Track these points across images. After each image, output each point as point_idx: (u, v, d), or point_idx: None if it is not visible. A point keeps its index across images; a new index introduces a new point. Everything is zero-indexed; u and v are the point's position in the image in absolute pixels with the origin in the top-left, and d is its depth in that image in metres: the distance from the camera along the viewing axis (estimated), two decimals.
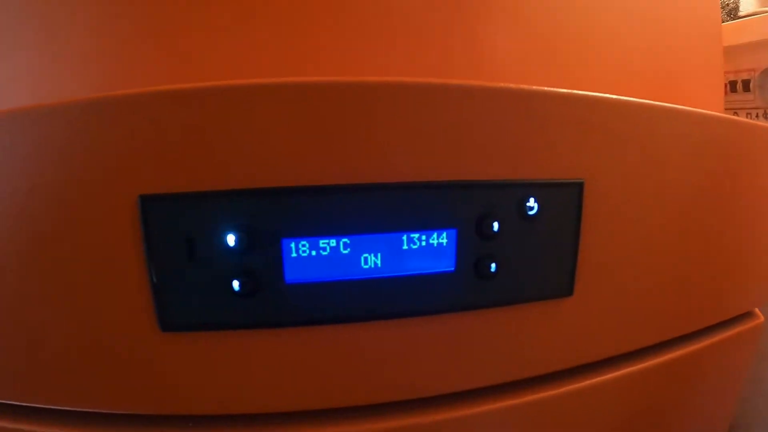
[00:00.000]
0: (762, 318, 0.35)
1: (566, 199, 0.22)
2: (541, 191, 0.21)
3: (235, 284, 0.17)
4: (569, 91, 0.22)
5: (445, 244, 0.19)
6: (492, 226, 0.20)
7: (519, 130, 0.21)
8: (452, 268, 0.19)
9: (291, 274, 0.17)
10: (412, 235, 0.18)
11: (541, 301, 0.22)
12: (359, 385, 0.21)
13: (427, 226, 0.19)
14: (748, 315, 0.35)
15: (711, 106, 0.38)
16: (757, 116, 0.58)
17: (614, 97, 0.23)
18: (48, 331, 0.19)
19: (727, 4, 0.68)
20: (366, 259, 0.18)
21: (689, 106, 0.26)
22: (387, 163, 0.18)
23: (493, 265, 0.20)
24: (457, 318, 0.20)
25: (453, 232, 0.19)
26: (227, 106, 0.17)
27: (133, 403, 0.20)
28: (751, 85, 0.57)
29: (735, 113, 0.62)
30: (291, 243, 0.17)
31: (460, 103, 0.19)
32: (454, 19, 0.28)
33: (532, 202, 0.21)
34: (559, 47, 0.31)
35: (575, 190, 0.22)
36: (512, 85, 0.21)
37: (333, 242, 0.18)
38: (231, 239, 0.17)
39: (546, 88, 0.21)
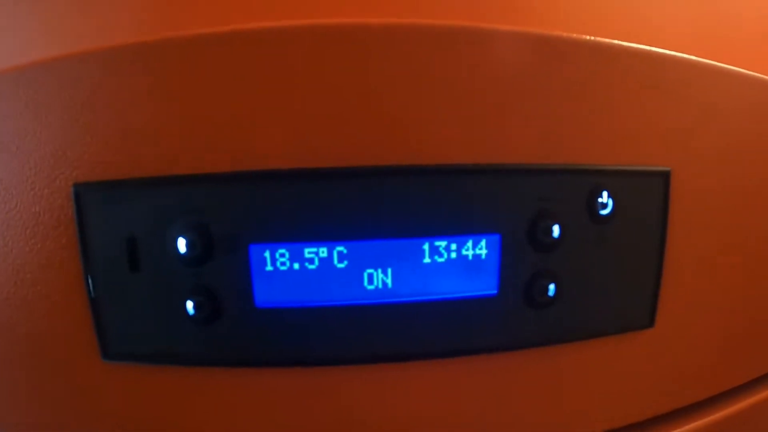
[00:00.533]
0: None
1: (647, 194, 0.16)
2: (616, 183, 0.15)
3: (189, 306, 0.12)
4: (654, 49, 0.16)
5: (484, 257, 0.13)
6: (551, 231, 0.14)
7: (584, 95, 0.15)
8: (494, 291, 0.13)
9: (263, 295, 0.12)
10: (437, 243, 0.13)
11: (612, 335, 0.16)
12: None
13: (458, 230, 0.13)
14: None
15: None
16: None
17: (707, 60, 0.17)
18: None
19: None
20: (371, 276, 0.13)
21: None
22: (402, 138, 0.13)
23: (552, 287, 0.14)
24: (497, 360, 0.14)
25: (496, 238, 0.13)
26: (179, 60, 0.12)
27: None
28: None
29: None
30: (264, 251, 0.12)
31: (506, 54, 0.14)
32: None
33: (605, 198, 0.15)
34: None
35: (660, 182, 0.16)
36: (575, 35, 0.15)
37: (324, 251, 0.12)
38: (181, 244, 0.12)
39: (624, 43, 0.15)
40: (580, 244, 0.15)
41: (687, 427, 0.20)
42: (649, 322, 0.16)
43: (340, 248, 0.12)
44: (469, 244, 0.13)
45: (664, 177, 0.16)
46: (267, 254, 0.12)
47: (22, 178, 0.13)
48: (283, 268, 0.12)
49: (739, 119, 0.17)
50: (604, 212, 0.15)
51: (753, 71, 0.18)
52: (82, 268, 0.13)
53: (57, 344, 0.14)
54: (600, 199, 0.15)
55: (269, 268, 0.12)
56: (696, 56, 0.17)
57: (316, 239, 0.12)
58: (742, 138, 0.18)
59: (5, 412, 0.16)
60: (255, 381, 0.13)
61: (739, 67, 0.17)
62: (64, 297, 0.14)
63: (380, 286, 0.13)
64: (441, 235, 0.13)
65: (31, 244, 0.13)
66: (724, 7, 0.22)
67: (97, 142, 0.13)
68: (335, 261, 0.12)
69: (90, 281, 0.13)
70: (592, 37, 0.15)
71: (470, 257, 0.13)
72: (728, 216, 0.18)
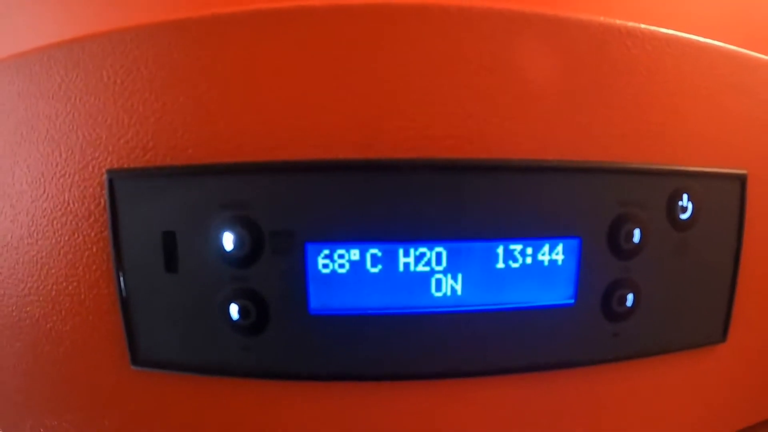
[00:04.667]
0: None
1: (726, 198, 0.15)
2: (696, 185, 0.14)
3: (233, 311, 0.11)
4: (739, 49, 0.15)
5: (561, 263, 0.12)
6: (632, 236, 0.12)
7: (666, 94, 0.13)
8: (572, 300, 0.12)
9: (319, 300, 0.11)
10: (511, 247, 0.11)
11: (686, 350, 0.15)
12: None
13: (535, 231, 0.12)
14: None
15: None
16: None
17: None
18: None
19: None
20: (439, 282, 0.11)
21: None
22: (473, 131, 0.11)
23: (630, 297, 0.13)
24: (571, 377, 0.13)
25: (575, 243, 0.12)
26: (227, 39, 0.11)
27: None
28: None
29: None
30: (321, 250, 0.11)
31: (582, 43, 0.12)
32: None
33: (685, 201, 0.14)
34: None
35: (736, 186, 0.15)
36: (655, 27, 0.14)
37: (387, 252, 0.11)
38: (227, 240, 0.11)
39: (711, 41, 0.14)
40: (660, 251, 0.13)
41: None
42: (722, 336, 0.15)
43: (407, 249, 0.11)
44: (546, 248, 0.12)
45: (742, 181, 0.15)
46: (324, 254, 0.11)
47: (52, 163, 0.12)
48: (341, 270, 0.11)
49: None
50: (684, 216, 0.14)
51: None
52: (114, 265, 0.12)
53: (83, 346, 0.13)
54: (680, 203, 0.14)
55: (326, 270, 0.11)
56: None
57: (380, 239, 0.11)
58: None
59: (24, 415, 0.14)
60: (304, 396, 0.12)
61: None
62: (92, 296, 0.12)
63: (449, 293, 0.11)
64: (516, 238, 0.11)
65: (59, 236, 0.11)
66: None
67: (133, 125, 0.11)
68: (400, 264, 0.11)
69: (121, 279, 0.12)
70: (679, 33, 0.14)
71: (546, 263, 0.12)
72: None
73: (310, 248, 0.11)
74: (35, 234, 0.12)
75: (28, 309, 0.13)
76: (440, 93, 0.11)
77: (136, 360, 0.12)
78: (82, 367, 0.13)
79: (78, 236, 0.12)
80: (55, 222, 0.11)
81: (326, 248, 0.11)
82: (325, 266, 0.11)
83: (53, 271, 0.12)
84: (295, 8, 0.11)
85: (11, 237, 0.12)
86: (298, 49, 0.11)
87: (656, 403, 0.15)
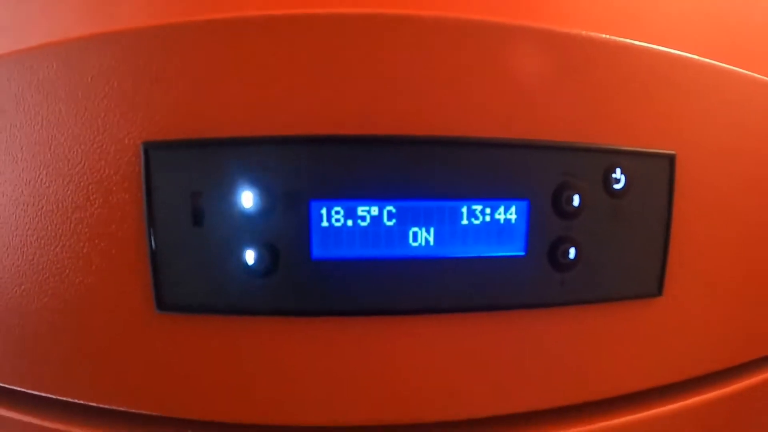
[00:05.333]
0: None
1: (656, 173, 0.18)
2: (629, 161, 0.17)
3: (249, 256, 0.14)
4: (664, 48, 0.18)
5: (514, 221, 0.15)
6: (572, 200, 0.15)
7: (604, 86, 0.17)
8: (522, 252, 0.15)
9: (320, 248, 0.14)
10: (473, 207, 0.14)
11: (624, 300, 0.18)
12: (393, 401, 0.16)
13: (492, 194, 0.15)
14: None
15: None
16: None
17: (714, 62, 0.19)
18: (24, 308, 0.16)
19: None
20: (415, 234, 0.14)
21: None
22: (447, 114, 0.14)
23: (572, 251, 0.16)
24: (524, 317, 0.16)
25: (524, 204, 0.15)
26: (248, 36, 0.14)
27: (118, 397, 0.17)
28: None
29: None
30: (321, 207, 0.13)
31: (536, 48, 0.15)
32: None
33: (618, 174, 0.17)
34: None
35: (666, 163, 0.18)
36: (595, 33, 0.17)
37: (375, 210, 0.14)
38: (247, 198, 0.13)
39: (638, 42, 0.17)
40: (596, 214, 0.16)
41: (692, 401, 0.21)
42: (658, 290, 0.18)
43: (390, 208, 0.14)
44: (502, 208, 0.15)
45: (670, 159, 0.18)
46: (324, 211, 0.13)
47: (91, 134, 0.14)
48: (338, 224, 0.14)
49: (739, 115, 0.19)
50: (617, 187, 0.17)
51: (755, 72, 0.20)
52: (146, 223, 0.14)
53: (110, 297, 0.16)
54: (614, 175, 0.17)
55: (325, 223, 0.14)
56: (703, 57, 0.19)
57: (369, 198, 0.14)
58: (736, 131, 0.20)
59: (54, 360, 0.17)
60: (306, 330, 0.15)
61: (743, 69, 0.19)
62: (121, 251, 0.15)
63: (423, 243, 0.14)
64: (478, 199, 0.14)
65: (93, 200, 0.14)
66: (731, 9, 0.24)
67: (166, 104, 0.14)
68: (385, 219, 0.14)
69: (152, 234, 0.14)
70: (617, 38, 0.17)
71: (502, 221, 0.15)
72: (727, 198, 0.20)
73: (314, 205, 0.13)
74: (71, 199, 0.14)
75: (59, 265, 0.15)
76: (419, 84, 0.14)
77: (161, 305, 0.15)
78: (109, 316, 0.15)
79: (113, 199, 0.14)
80: (91, 187, 0.14)
81: (326, 206, 0.13)
82: (324, 220, 0.14)
83: (86, 230, 0.14)
84: (306, 16, 0.13)
85: (47, 201, 0.15)
86: (308, 52, 0.13)
87: (599, 349, 0.18)
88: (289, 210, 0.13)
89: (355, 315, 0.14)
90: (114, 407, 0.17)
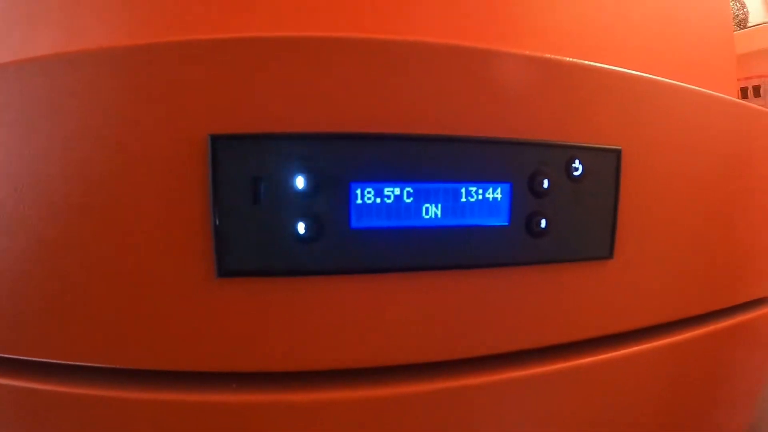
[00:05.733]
0: None
1: (607, 164, 0.23)
2: (585, 154, 0.22)
3: (300, 227, 0.18)
4: (611, 67, 0.23)
5: (499, 199, 0.20)
6: (543, 183, 0.20)
7: (567, 97, 0.22)
8: (506, 223, 0.20)
9: (356, 220, 0.18)
10: (470, 188, 0.19)
11: (584, 261, 0.23)
12: (411, 341, 0.21)
13: (484, 179, 0.19)
14: (765, 302, 0.36)
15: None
16: None
17: (648, 76, 0.24)
18: (94, 276, 0.19)
19: (737, 16, 0.72)
20: (427, 209, 0.18)
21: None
22: (451, 117, 0.19)
23: (543, 222, 0.20)
24: (508, 273, 0.21)
25: (507, 186, 0.20)
26: (303, 56, 0.18)
27: (179, 358, 0.19)
28: (761, 90, 0.60)
29: None
30: (358, 188, 0.18)
31: (518, 69, 0.20)
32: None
33: (577, 164, 0.22)
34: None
35: (614, 156, 0.23)
36: (561, 57, 0.22)
37: (397, 190, 0.18)
38: (300, 181, 0.17)
39: (591, 63, 0.23)
40: (562, 194, 0.21)
41: (634, 350, 0.26)
42: (610, 254, 0.23)
43: (408, 189, 0.18)
44: (491, 189, 0.19)
45: (617, 153, 0.23)
46: (359, 191, 0.18)
47: (162, 125, 0.17)
48: (369, 201, 0.18)
49: (666, 118, 0.25)
50: (576, 174, 0.22)
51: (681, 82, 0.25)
52: (210, 202, 0.18)
53: (175, 265, 0.18)
54: (574, 164, 0.22)
55: (360, 201, 0.18)
56: (641, 72, 0.24)
57: (393, 181, 0.18)
58: (668, 131, 0.25)
59: (120, 327, 0.19)
60: (345, 286, 0.19)
61: (671, 80, 0.25)
62: (185, 228, 0.18)
63: (432, 216, 0.19)
64: (472, 182, 0.19)
65: (165, 182, 0.17)
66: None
67: (230, 103, 0.18)
68: (404, 197, 0.18)
69: (216, 213, 0.18)
70: (575, 60, 0.22)
71: (491, 199, 0.19)
72: (661, 184, 0.25)
73: (352, 186, 0.18)
74: (148, 181, 0.17)
75: (128, 240, 0.18)
76: (432, 101, 0.19)
77: (221, 272, 0.18)
78: (174, 283, 0.18)
79: (180, 182, 0.18)
80: (164, 171, 0.17)
81: (361, 187, 0.18)
82: (361, 198, 0.18)
83: (153, 211, 0.17)
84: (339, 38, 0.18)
85: (127, 182, 0.18)
86: (344, 70, 0.18)
87: (564, 300, 0.23)
88: (333, 190, 0.18)
89: (382, 272, 0.19)
90: (175, 369, 0.20)
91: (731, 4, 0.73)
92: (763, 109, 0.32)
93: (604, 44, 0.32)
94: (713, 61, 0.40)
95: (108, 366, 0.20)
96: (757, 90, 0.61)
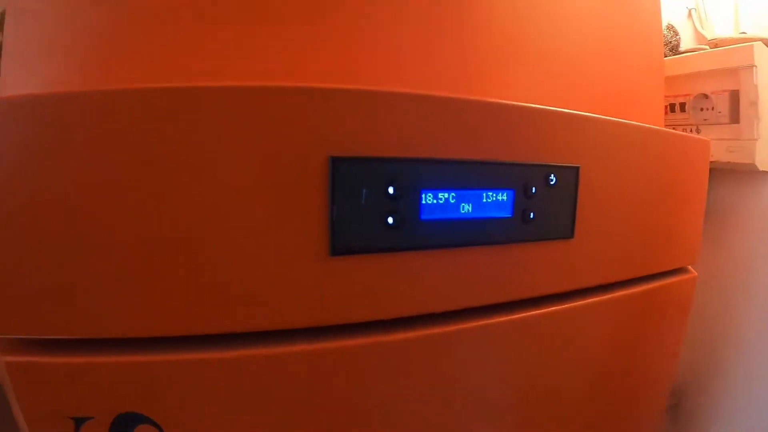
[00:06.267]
0: (695, 274, 0.51)
1: (570, 176, 0.35)
2: (557, 170, 0.34)
3: (390, 220, 0.28)
4: (575, 112, 0.35)
5: (506, 200, 0.31)
6: (532, 189, 0.32)
7: (546, 134, 0.34)
8: (510, 215, 0.31)
9: (424, 214, 0.29)
10: (489, 193, 0.30)
11: (556, 240, 0.35)
12: (452, 294, 0.32)
13: (496, 187, 0.31)
14: (684, 271, 0.51)
15: (655, 122, 0.54)
16: (690, 131, 0.77)
17: (598, 116, 0.37)
18: (239, 258, 0.26)
19: (670, 42, 0.87)
20: (464, 206, 0.30)
21: (641, 122, 0.40)
22: (478, 148, 0.30)
23: (532, 214, 0.32)
24: (510, 248, 0.33)
25: (511, 192, 0.31)
26: (395, 109, 0.28)
27: (299, 316, 0.28)
28: (686, 106, 0.77)
29: (673, 128, 0.81)
30: (424, 194, 0.29)
31: (517, 118, 0.32)
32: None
33: (552, 177, 0.34)
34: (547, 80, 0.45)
35: (575, 171, 0.35)
36: (545, 107, 0.34)
37: (446, 195, 0.29)
38: (390, 188, 0.28)
39: (568, 111, 0.35)
40: (542, 195, 0.33)
41: (589, 301, 0.39)
42: (571, 235, 0.36)
43: (453, 194, 0.29)
44: (500, 194, 0.31)
45: (576, 169, 0.35)
46: (424, 196, 0.29)
47: (287, 146, 0.27)
48: (431, 202, 0.29)
49: (607, 144, 0.38)
50: (551, 183, 0.34)
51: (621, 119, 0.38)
52: (329, 203, 0.28)
53: (297, 245, 0.27)
54: (550, 177, 0.34)
55: (425, 202, 0.29)
56: (592, 113, 0.36)
57: (443, 189, 0.29)
58: (609, 154, 0.38)
59: (260, 296, 0.28)
60: (417, 258, 0.30)
61: (614, 117, 0.38)
62: (305, 221, 0.27)
63: (466, 211, 0.30)
64: (490, 189, 0.30)
65: (296, 189, 0.26)
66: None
67: (344, 135, 0.28)
68: (450, 199, 0.29)
69: (332, 210, 0.28)
70: (546, 107, 0.34)
71: (500, 200, 0.31)
72: (606, 189, 0.38)
73: (423, 193, 0.28)
74: (282, 188, 0.26)
75: (256, 233, 0.27)
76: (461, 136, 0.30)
77: (334, 251, 0.28)
78: (301, 261, 0.27)
79: (309, 189, 0.28)
80: (295, 181, 0.26)
81: (426, 193, 0.29)
82: (426, 200, 0.29)
83: (290, 208, 0.26)
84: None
85: (266, 190, 0.27)
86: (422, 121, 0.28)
87: (543, 265, 0.36)
88: (410, 195, 0.28)
89: (438, 248, 0.30)
90: (300, 326, 0.28)
91: (665, 32, 0.89)
92: (677, 133, 0.46)
93: (564, 86, 0.44)
94: (645, 84, 0.54)
95: (248, 330, 0.27)
96: (682, 106, 0.77)
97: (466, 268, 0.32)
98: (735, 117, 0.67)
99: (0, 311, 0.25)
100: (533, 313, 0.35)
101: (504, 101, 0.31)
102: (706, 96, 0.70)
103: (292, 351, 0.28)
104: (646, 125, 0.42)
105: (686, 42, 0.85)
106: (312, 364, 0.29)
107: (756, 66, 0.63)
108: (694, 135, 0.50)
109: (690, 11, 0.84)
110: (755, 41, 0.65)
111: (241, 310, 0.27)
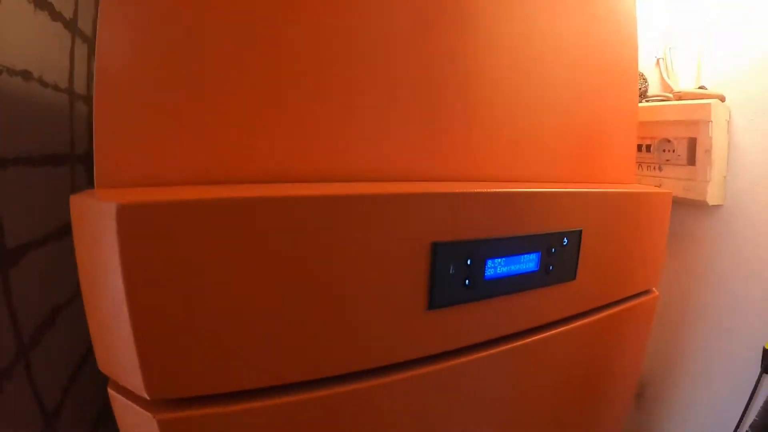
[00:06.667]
0: (657, 294, 0.69)
1: (576, 237, 0.51)
2: (567, 234, 0.50)
3: (467, 282, 0.43)
4: (577, 189, 0.51)
5: (534, 259, 0.47)
6: (552, 251, 0.48)
7: (559, 209, 0.49)
8: (536, 269, 0.47)
9: (487, 275, 0.44)
10: (525, 256, 0.46)
11: (564, 282, 0.51)
12: (499, 324, 0.47)
13: (527, 251, 0.46)
14: (648, 292, 0.68)
15: (628, 160, 0.70)
16: (654, 168, 0.95)
17: (592, 190, 0.53)
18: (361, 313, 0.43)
19: (640, 88, 1.02)
20: (510, 268, 0.45)
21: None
22: (520, 223, 0.45)
23: (551, 267, 0.48)
24: (536, 293, 0.49)
25: (537, 254, 0.47)
26: (469, 209, 0.42)
27: (408, 351, 0.41)
28: (651, 148, 0.95)
29: (639, 165, 1.00)
30: (487, 262, 0.43)
31: (543, 200, 0.47)
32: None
33: (564, 239, 0.49)
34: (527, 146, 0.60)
35: (578, 234, 0.51)
36: (557, 189, 0.49)
37: (501, 260, 0.44)
38: (470, 261, 0.42)
39: (570, 189, 0.50)
40: (559, 254, 0.49)
41: (589, 320, 0.56)
42: (574, 277, 0.52)
43: (501, 261, 0.44)
44: (530, 256, 0.46)
45: (580, 233, 0.51)
46: (486, 263, 0.43)
47: (393, 234, 0.41)
48: (491, 270, 0.44)
49: (601, 212, 0.54)
50: (564, 243, 0.49)
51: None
52: (429, 273, 0.42)
53: (402, 303, 0.43)
54: (564, 240, 0.49)
55: (488, 267, 0.43)
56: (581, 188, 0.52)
57: (498, 257, 0.44)
58: (601, 218, 0.54)
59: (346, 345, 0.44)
60: (482, 307, 0.45)
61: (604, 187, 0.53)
62: (409, 287, 0.42)
63: (509, 270, 0.45)
64: (524, 254, 0.46)
65: (402, 264, 0.41)
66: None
67: (443, 224, 0.42)
68: (500, 266, 0.44)
69: (432, 278, 0.42)
70: (552, 189, 0.49)
71: (530, 260, 0.46)
72: (598, 244, 0.54)
73: (487, 261, 0.43)
74: (391, 265, 0.42)
75: (380, 297, 0.42)
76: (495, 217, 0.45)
77: (431, 306, 0.43)
78: (405, 315, 0.43)
79: (414, 265, 0.42)
80: (402, 258, 0.42)
81: (487, 260, 0.43)
82: (489, 265, 0.43)
83: (400, 277, 0.41)
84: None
85: (392, 270, 0.42)
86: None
87: (556, 300, 0.52)
88: (479, 263, 0.43)
89: (495, 297, 0.45)
90: (405, 359, 0.44)
91: None
92: (647, 190, 0.62)
93: (554, 161, 0.60)
94: (623, 131, 0.70)
95: (360, 369, 0.42)
96: (648, 147, 0.94)
97: (508, 306, 0.47)
98: (692, 160, 0.85)
99: (162, 375, 0.30)
100: (546, 335, 0.52)
101: (537, 189, 0.46)
102: (668, 140, 0.87)
103: (405, 377, 0.43)
104: (626, 190, 0.58)
105: (653, 88, 1.01)
106: (424, 383, 0.44)
107: (712, 121, 0.81)
108: (659, 189, 0.68)
109: (658, 60, 1.00)
110: (713, 98, 0.83)
111: (371, 351, 0.41)
